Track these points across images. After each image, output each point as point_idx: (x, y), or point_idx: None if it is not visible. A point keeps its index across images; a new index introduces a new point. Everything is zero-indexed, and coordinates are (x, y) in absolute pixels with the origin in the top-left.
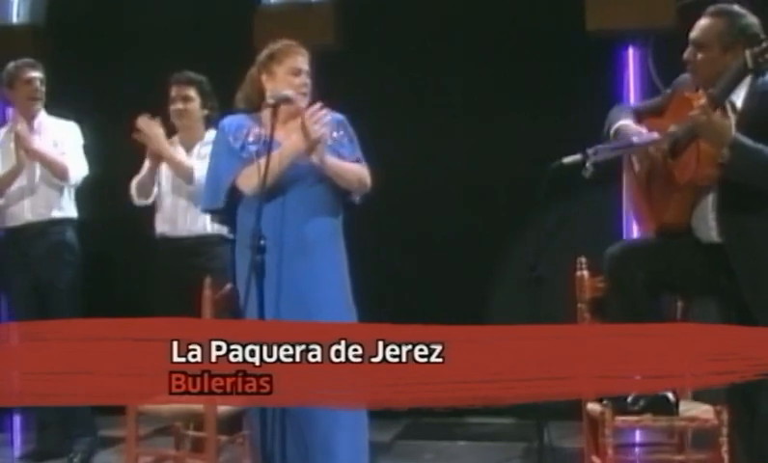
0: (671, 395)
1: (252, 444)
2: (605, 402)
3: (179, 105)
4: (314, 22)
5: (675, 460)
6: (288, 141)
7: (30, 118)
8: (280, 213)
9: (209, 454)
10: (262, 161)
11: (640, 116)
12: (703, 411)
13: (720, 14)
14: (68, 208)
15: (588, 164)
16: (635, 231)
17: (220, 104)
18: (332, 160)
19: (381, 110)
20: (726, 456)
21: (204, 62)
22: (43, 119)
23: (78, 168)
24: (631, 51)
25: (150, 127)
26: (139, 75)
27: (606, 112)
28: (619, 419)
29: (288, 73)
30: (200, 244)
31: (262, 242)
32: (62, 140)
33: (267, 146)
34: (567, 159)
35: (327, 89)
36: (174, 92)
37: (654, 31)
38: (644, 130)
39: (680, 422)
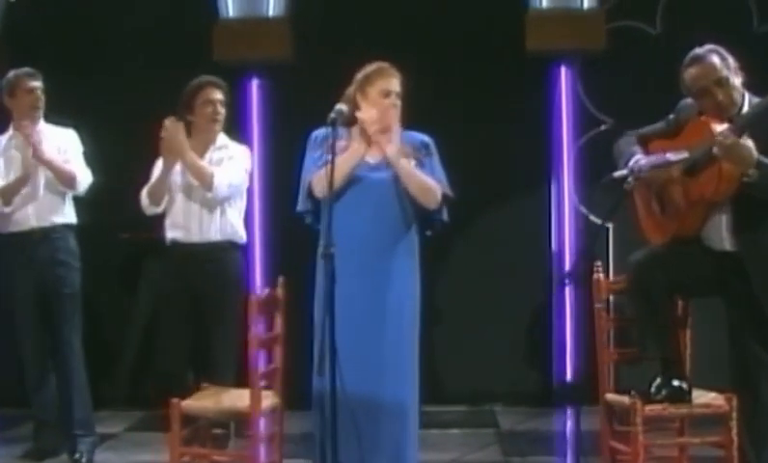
0: (685, 385)
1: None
2: (633, 393)
3: (219, 109)
4: (270, 36)
5: (693, 442)
6: (352, 147)
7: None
8: (358, 218)
9: (254, 451)
10: (329, 165)
11: (645, 141)
12: (713, 398)
13: (715, 54)
14: (69, 214)
15: (630, 179)
16: (567, 235)
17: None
18: (404, 161)
19: None
20: (735, 438)
21: (164, 72)
22: (44, 127)
23: (85, 175)
24: (563, 70)
25: (176, 130)
26: (100, 84)
27: (541, 126)
28: (648, 408)
29: (380, 95)
30: (213, 251)
31: (332, 250)
32: (64, 147)
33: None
34: (617, 173)
35: (283, 102)
36: (211, 95)
37: (585, 52)
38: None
39: (698, 409)
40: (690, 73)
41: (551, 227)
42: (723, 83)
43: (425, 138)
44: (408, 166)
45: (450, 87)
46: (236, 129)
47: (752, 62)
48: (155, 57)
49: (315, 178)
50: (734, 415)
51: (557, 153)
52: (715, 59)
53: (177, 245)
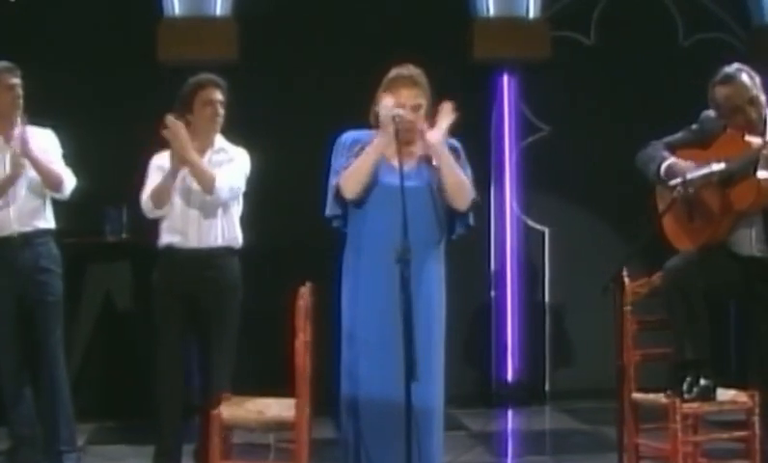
0: (711, 384)
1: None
2: (668, 393)
3: (220, 110)
4: (217, 37)
5: (720, 437)
6: (374, 140)
7: (11, 125)
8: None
9: (301, 460)
10: (355, 161)
11: (672, 149)
12: (736, 395)
13: (745, 74)
14: (50, 218)
15: (679, 187)
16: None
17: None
18: (447, 151)
19: (281, 122)
20: (758, 432)
21: (103, 72)
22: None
23: (70, 177)
24: (506, 78)
25: (178, 128)
26: (41, 82)
27: (483, 133)
28: (686, 406)
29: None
30: (211, 257)
31: (409, 256)
32: (44, 148)
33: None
34: (672, 182)
35: (229, 102)
36: (212, 95)
37: (530, 61)
38: (689, 162)
39: (727, 406)
40: (722, 92)
41: (491, 230)
42: (754, 102)
43: (455, 142)
44: (450, 157)
45: None
46: None
47: (677, 73)
48: (94, 56)
49: (342, 179)
50: (757, 411)
51: (498, 159)
52: (746, 78)
53: (173, 250)
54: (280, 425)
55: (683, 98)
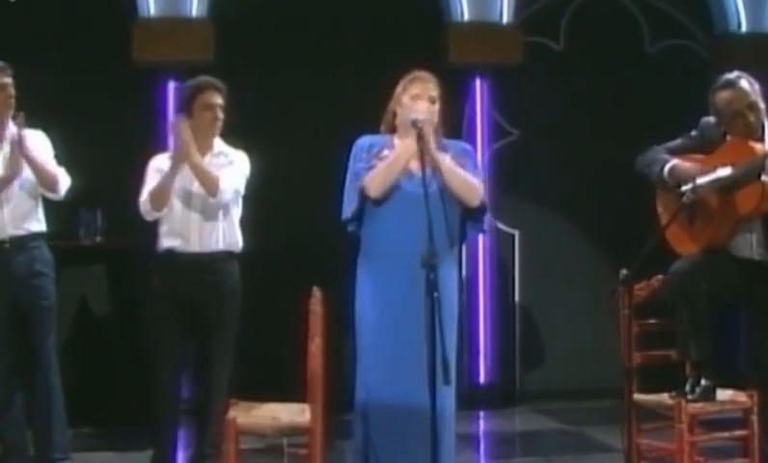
0: (711, 385)
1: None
2: (672, 394)
3: (219, 114)
4: (192, 38)
5: (721, 437)
6: (402, 142)
7: (2, 125)
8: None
9: None
10: (381, 162)
11: (674, 154)
12: (734, 394)
13: (744, 80)
14: (42, 221)
15: (689, 193)
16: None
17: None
18: (447, 157)
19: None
20: (757, 430)
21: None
22: (12, 126)
23: (65, 178)
24: (479, 83)
25: (185, 128)
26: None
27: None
28: (691, 406)
29: (410, 99)
30: (213, 261)
31: (435, 260)
32: (37, 149)
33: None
34: (683, 188)
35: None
36: (211, 99)
37: (502, 65)
38: (691, 164)
39: (727, 406)
40: (723, 97)
41: None
42: (754, 107)
43: (467, 145)
44: (448, 161)
45: (372, 91)
46: (151, 132)
47: (643, 78)
48: (68, 56)
49: (369, 180)
50: (755, 410)
51: None
52: (746, 84)
53: (174, 255)
54: (294, 431)
55: (649, 103)
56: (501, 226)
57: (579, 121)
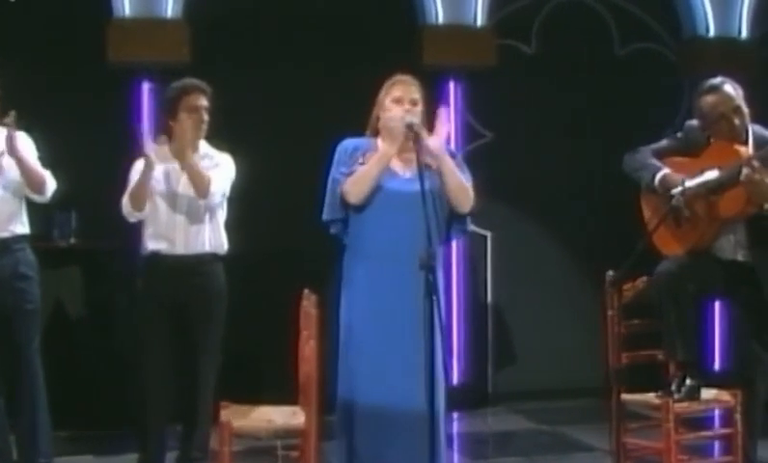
0: (695, 384)
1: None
2: (659, 394)
3: (205, 116)
4: (168, 39)
5: (707, 435)
6: (380, 148)
7: None
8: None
9: None
10: (360, 167)
11: (660, 156)
12: (719, 394)
13: (728, 84)
14: (26, 223)
15: (678, 196)
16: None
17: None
18: (448, 156)
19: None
20: (740, 429)
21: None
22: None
23: (51, 180)
24: (452, 85)
25: (186, 127)
26: None
27: None
28: (678, 405)
29: (392, 102)
30: (198, 264)
31: (433, 262)
32: (23, 150)
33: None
34: (674, 191)
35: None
36: (197, 101)
37: (476, 68)
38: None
39: (712, 404)
40: (708, 101)
41: None
42: (738, 111)
43: (452, 148)
44: (452, 162)
45: (346, 92)
46: (126, 134)
47: (613, 80)
48: (42, 56)
49: (348, 185)
50: (739, 408)
51: None
52: (730, 88)
53: (159, 257)
54: (289, 433)
55: (619, 105)
56: (473, 227)
57: (551, 123)
